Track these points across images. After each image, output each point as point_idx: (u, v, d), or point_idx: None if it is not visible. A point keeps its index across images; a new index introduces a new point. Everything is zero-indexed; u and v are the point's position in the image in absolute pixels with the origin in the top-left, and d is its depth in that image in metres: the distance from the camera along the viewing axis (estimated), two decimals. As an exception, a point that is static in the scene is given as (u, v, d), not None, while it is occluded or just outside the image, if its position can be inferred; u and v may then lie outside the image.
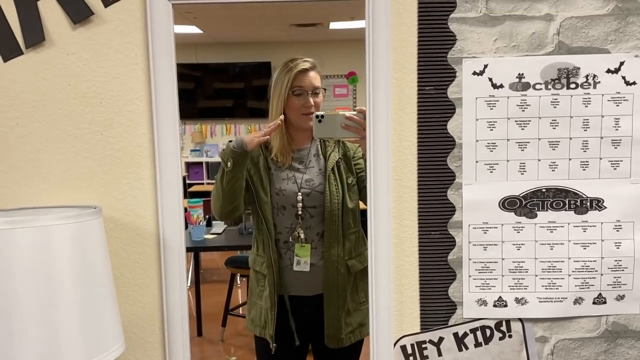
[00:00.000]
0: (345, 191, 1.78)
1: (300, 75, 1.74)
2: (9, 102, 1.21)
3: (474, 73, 1.22)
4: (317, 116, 1.52)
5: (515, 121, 1.23)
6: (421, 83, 1.23)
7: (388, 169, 1.24)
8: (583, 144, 1.24)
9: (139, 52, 1.20)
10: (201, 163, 7.42)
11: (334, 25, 5.89)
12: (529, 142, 1.24)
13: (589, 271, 1.27)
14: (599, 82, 1.21)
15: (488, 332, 1.28)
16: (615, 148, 1.23)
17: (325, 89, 1.80)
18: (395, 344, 1.29)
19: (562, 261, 1.27)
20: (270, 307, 1.78)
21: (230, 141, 1.76)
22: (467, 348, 1.29)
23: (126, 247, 1.25)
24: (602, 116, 1.23)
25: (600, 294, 1.27)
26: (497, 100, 1.23)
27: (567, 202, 1.25)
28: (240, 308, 4.28)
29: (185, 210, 3.70)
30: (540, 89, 1.22)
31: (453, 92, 1.23)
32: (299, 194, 1.76)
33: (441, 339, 1.28)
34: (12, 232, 0.99)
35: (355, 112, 1.53)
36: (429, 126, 1.24)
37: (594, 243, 1.26)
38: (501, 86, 1.22)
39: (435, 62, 1.22)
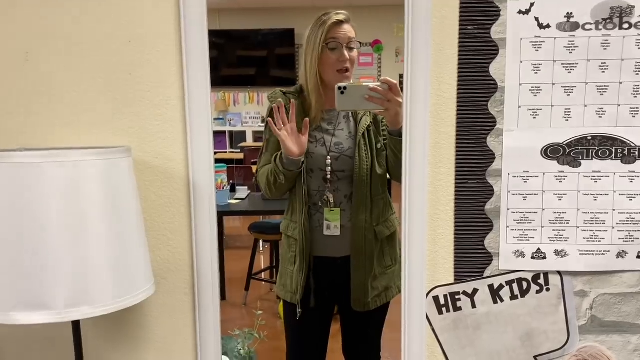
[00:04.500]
0: (374, 156, 1.74)
1: (335, 27, 1.69)
2: (37, 42, 1.18)
3: (520, 12, 1.15)
4: (339, 87, 1.47)
5: (562, 64, 1.17)
6: (463, 22, 1.16)
7: (425, 113, 1.19)
8: (634, 89, 1.17)
9: (169, -12, 1.16)
10: (224, 132, 7.42)
11: (360, -10, 5.77)
12: (575, 87, 1.18)
13: (634, 224, 1.21)
14: (655, 22, 1.14)
15: (525, 284, 1.24)
16: (669, 93, 1.16)
17: (360, 42, 1.74)
18: (427, 295, 1.25)
19: (605, 213, 1.21)
20: (299, 270, 1.77)
21: (278, 155, 1.69)
22: (502, 301, 1.25)
23: (156, 191, 1.23)
24: (656, 59, 1.15)
25: (645, 248, 1.22)
26: (543, 42, 1.16)
27: (613, 150, 1.19)
28: (263, 273, 4.30)
29: (209, 175, 3.72)
30: (590, 29, 1.15)
31: (496, 32, 1.17)
32: (328, 157, 1.73)
33: (475, 291, 1.25)
34: (43, 166, 0.98)
35: (379, 83, 1.48)
36: (470, 69, 1.18)
37: (640, 194, 1.20)
38: (548, 26, 1.16)
39: (479, 0, 1.15)
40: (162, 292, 1.26)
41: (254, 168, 1.86)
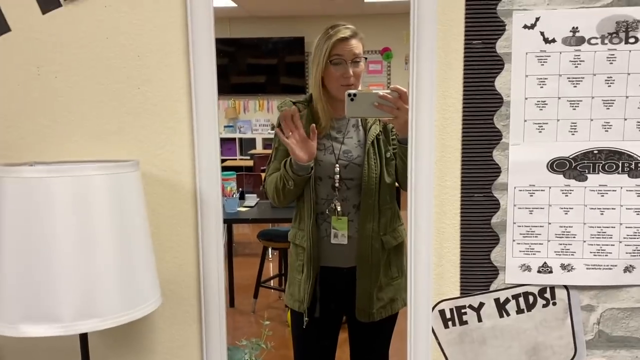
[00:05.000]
0: (383, 165, 1.75)
1: (340, 43, 1.70)
2: (48, 55, 1.20)
3: (525, 26, 1.16)
4: (349, 95, 1.47)
5: (568, 78, 1.17)
6: (468, 36, 1.17)
7: (431, 127, 1.20)
8: (640, 102, 1.16)
9: (176, 4, 1.18)
10: (234, 139, 7.46)
11: (369, -2, 5.79)
12: (581, 101, 1.17)
13: (641, 238, 1.20)
14: (661, 36, 1.14)
15: (531, 298, 1.24)
16: (676, 108, 1.16)
17: (366, 58, 1.75)
18: (433, 308, 1.25)
19: (612, 227, 1.21)
20: (306, 279, 1.77)
21: (288, 160, 1.70)
22: (508, 315, 1.24)
23: (163, 203, 1.24)
24: (663, 73, 1.15)
25: (652, 262, 1.21)
26: (549, 56, 1.16)
27: (620, 164, 1.19)
28: (272, 280, 4.31)
29: (219, 182, 3.73)
30: (596, 43, 1.15)
31: (502, 47, 1.17)
32: (337, 165, 1.73)
33: (482, 305, 1.25)
34: (52, 180, 0.99)
35: (389, 91, 1.48)
36: (476, 83, 1.18)
37: (648, 208, 1.20)
38: (553, 40, 1.16)
39: (484, 15, 1.16)
40: (169, 303, 1.27)
41: (264, 175, 1.88)
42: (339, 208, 1.75)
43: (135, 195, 1.09)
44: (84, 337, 1.11)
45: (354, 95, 1.48)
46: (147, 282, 1.09)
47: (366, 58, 1.75)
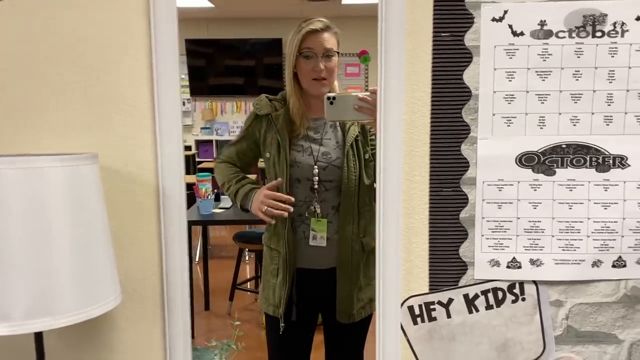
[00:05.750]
0: (362, 167, 1.73)
1: (311, 36, 1.67)
2: (3, 47, 1.16)
3: (493, 19, 1.15)
4: (328, 98, 1.46)
5: (536, 72, 1.16)
6: (437, 29, 1.15)
7: (399, 121, 1.18)
8: (608, 97, 1.16)
9: (139, -8, 1.14)
10: (211, 141, 7.39)
11: (347, 0, 5.79)
12: (549, 95, 1.17)
13: (609, 232, 1.20)
14: (628, 30, 1.14)
15: (500, 294, 1.23)
16: (642, 102, 1.16)
17: (338, 52, 1.72)
18: (402, 304, 1.23)
19: (580, 221, 1.20)
20: (281, 284, 1.74)
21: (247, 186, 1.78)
22: (477, 310, 1.23)
23: (125, 198, 1.21)
24: (630, 67, 1.15)
25: (620, 257, 1.21)
26: (517, 49, 1.15)
27: (588, 159, 1.19)
28: (248, 283, 4.26)
29: (194, 184, 3.68)
30: (564, 37, 1.15)
31: (470, 40, 1.16)
32: (315, 167, 1.71)
33: (450, 300, 1.23)
34: (5, 172, 0.95)
35: (368, 93, 1.47)
36: (444, 76, 1.17)
37: (615, 203, 1.19)
38: (522, 34, 1.15)
39: (452, 7, 1.15)
40: (131, 302, 1.23)
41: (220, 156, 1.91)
42: (318, 210, 1.73)
43: (93, 189, 1.05)
44: (38, 336, 1.06)
45: (334, 98, 1.47)
46: (106, 279, 1.06)
47: (339, 53, 1.72)
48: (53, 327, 0.97)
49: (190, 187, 3.67)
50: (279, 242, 1.74)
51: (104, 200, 1.08)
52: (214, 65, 7.23)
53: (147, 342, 1.25)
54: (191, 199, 3.67)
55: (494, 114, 1.18)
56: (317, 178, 1.71)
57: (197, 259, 4.79)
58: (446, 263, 1.22)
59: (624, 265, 1.21)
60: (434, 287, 1.23)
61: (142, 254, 1.22)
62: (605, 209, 1.20)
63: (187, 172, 5.75)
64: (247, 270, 4.81)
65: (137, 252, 1.22)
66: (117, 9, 1.15)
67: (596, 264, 1.21)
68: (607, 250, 1.21)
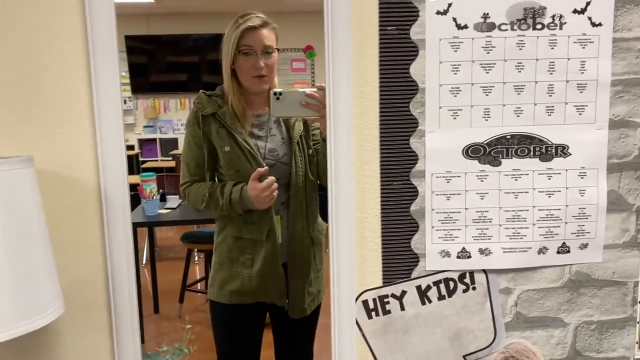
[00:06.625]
0: (307, 162, 1.71)
1: (249, 32, 1.63)
2: None
3: (438, 12, 1.16)
4: (275, 93, 1.43)
5: (480, 64, 1.18)
6: (383, 23, 1.15)
7: (349, 115, 1.17)
8: (549, 88, 1.19)
9: (73, -15, 1.08)
10: (155, 140, 7.20)
11: (290, -5, 5.76)
12: (493, 87, 1.19)
13: (553, 220, 1.24)
14: (565, 22, 1.17)
15: (452, 284, 1.24)
16: (581, 92, 1.20)
17: (278, 49, 1.69)
18: (357, 299, 1.23)
19: (526, 210, 1.23)
20: (263, 272, 1.71)
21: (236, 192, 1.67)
22: (430, 301, 1.24)
23: (64, 203, 1.14)
24: (568, 59, 1.19)
25: (564, 243, 1.25)
26: (462, 42, 1.17)
27: (532, 149, 1.22)
28: (198, 284, 4.18)
29: (138, 184, 3.57)
30: (506, 29, 1.17)
31: (416, 33, 1.16)
32: (263, 164, 1.68)
33: (404, 293, 1.24)
34: None
35: (315, 89, 1.45)
36: (391, 70, 1.17)
37: (558, 191, 1.23)
38: (465, 27, 1.16)
39: (397, 0, 1.15)
40: (76, 311, 1.17)
41: (181, 181, 1.79)
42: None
43: (28, 194, 0.99)
44: (-27, 354, 1.00)
45: (280, 94, 1.44)
46: (46, 289, 1.00)
47: (278, 49, 1.69)
48: (-11, 342, 0.91)
49: (134, 187, 3.56)
50: (255, 231, 1.69)
51: (42, 206, 1.02)
52: (156, 61, 7.04)
53: (94, 352, 1.19)
54: (136, 200, 3.56)
55: (440, 107, 1.19)
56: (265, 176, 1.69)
57: (144, 262, 4.66)
58: (399, 256, 1.23)
59: (568, 251, 1.25)
60: (388, 280, 1.24)
61: (85, 260, 1.16)
62: (549, 197, 1.23)
63: (131, 173, 5.58)
64: (197, 271, 4.71)
65: (81, 259, 1.16)
66: (50, 5, 1.08)
67: (542, 250, 1.25)
68: (552, 237, 1.24)
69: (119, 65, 1.12)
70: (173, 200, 3.74)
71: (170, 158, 6.43)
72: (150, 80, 7.07)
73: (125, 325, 1.18)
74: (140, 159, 6.90)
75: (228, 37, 1.65)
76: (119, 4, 1.10)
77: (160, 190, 3.72)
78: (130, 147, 6.78)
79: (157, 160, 6.83)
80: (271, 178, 1.63)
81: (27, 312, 0.95)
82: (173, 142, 7.24)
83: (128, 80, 6.92)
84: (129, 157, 6.25)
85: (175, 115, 7.34)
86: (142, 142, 7.18)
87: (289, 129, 1.72)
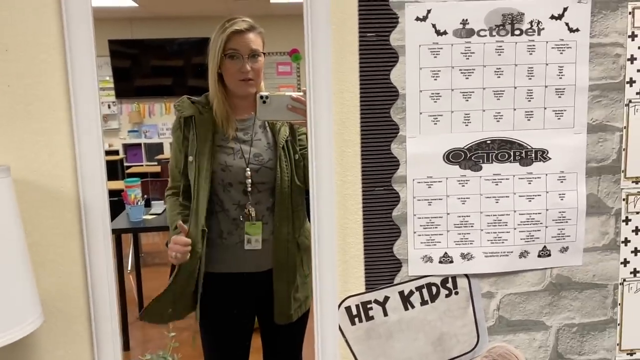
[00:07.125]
0: (293, 167, 1.71)
1: (235, 36, 1.63)
2: None
3: (417, 19, 1.16)
4: (261, 97, 1.43)
5: (460, 70, 1.19)
6: (362, 29, 1.15)
7: (330, 122, 1.17)
8: (528, 93, 1.20)
9: (49, -8, 1.07)
10: (139, 144, 7.14)
11: (275, -1, 5.76)
12: (473, 92, 1.20)
13: (534, 224, 1.25)
14: (543, 28, 1.18)
15: (434, 289, 1.25)
16: (559, 97, 1.21)
17: (265, 53, 1.69)
18: (339, 306, 1.23)
19: (507, 214, 1.24)
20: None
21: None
22: (413, 307, 1.25)
23: (42, 213, 1.13)
24: (547, 64, 1.20)
25: (545, 247, 1.26)
26: (441, 48, 1.17)
27: (512, 153, 1.22)
28: (184, 289, 4.14)
29: (123, 190, 3.53)
30: (485, 35, 1.18)
31: (396, 40, 1.17)
32: (247, 169, 1.67)
33: (387, 298, 1.24)
34: None
35: (302, 93, 1.45)
36: (372, 76, 1.17)
37: (538, 195, 1.24)
38: (445, 33, 1.17)
39: (377, 7, 1.15)
40: (55, 323, 1.15)
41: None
42: (253, 213, 1.69)
43: (5, 205, 0.97)
44: (-52, 368, 0.98)
45: (266, 97, 1.44)
46: (24, 300, 0.98)
47: (265, 53, 1.69)
48: (-35, 356, 0.89)
49: (118, 193, 3.53)
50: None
51: (19, 216, 1.01)
52: (140, 66, 6.98)
53: (74, 363, 1.18)
54: (120, 206, 3.53)
55: (421, 113, 1.19)
56: (249, 181, 1.68)
57: (129, 268, 4.62)
58: (381, 261, 1.23)
59: (549, 255, 1.26)
60: (370, 286, 1.24)
61: (64, 270, 1.15)
62: (530, 201, 1.24)
63: (115, 178, 5.54)
64: (183, 276, 4.68)
65: (60, 269, 1.15)
66: (27, 8, 1.07)
67: (523, 254, 1.26)
68: (533, 240, 1.25)
69: (103, 70, 1.12)
70: (158, 206, 3.71)
71: (156, 163, 6.38)
72: (135, 84, 7.01)
73: (106, 336, 1.16)
74: (125, 164, 6.84)
75: (214, 40, 1.65)
76: (102, 8, 1.09)
77: (145, 196, 3.68)
78: (114, 152, 6.73)
79: (142, 165, 6.78)
80: (186, 240, 1.64)
81: (4, 324, 0.94)
82: (158, 147, 7.19)
83: (112, 85, 6.87)
84: (114, 162, 6.20)
85: (160, 119, 7.29)
86: (127, 147, 7.12)
87: (274, 133, 1.72)
